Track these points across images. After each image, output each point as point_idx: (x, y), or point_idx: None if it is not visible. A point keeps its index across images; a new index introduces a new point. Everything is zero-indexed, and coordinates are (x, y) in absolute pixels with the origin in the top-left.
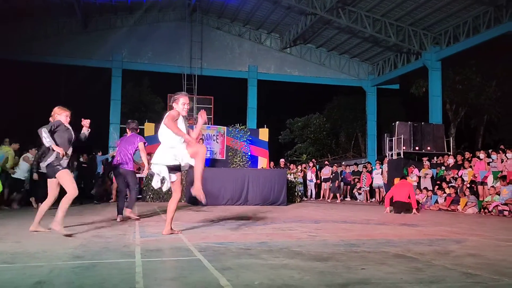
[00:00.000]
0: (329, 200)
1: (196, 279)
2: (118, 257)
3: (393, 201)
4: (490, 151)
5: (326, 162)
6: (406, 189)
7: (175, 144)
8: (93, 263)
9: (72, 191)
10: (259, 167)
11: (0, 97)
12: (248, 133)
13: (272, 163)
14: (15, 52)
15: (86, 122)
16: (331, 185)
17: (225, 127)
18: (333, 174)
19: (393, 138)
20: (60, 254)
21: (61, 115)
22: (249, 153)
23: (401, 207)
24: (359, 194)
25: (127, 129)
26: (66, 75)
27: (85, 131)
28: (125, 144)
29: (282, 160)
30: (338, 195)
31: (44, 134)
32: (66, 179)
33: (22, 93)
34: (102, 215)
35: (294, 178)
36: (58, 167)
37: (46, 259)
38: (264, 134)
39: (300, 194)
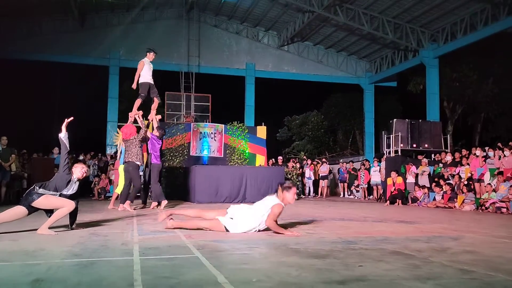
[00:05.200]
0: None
1: (194, 277)
2: (116, 255)
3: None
4: (487, 148)
5: (324, 160)
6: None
7: None
8: (91, 261)
9: (69, 205)
10: (257, 164)
11: None
12: (246, 131)
13: (271, 161)
14: (10, 50)
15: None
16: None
17: (223, 125)
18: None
19: (391, 135)
20: (57, 252)
21: (76, 169)
22: (247, 151)
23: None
24: (357, 191)
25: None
26: (63, 73)
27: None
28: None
29: (280, 157)
30: None
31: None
32: (52, 202)
33: (18, 91)
34: (99, 212)
35: (294, 174)
36: (34, 196)
37: (43, 257)
38: (262, 131)
39: (297, 191)
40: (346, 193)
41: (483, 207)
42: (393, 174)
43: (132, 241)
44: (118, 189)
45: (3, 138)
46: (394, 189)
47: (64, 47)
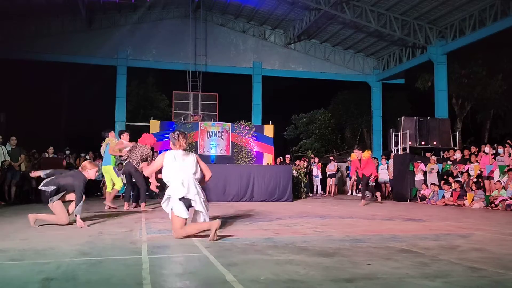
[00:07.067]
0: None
1: (202, 275)
2: (124, 253)
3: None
4: (496, 145)
5: (332, 158)
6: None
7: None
8: (99, 259)
9: (62, 219)
10: (264, 163)
11: (3, 96)
12: (253, 130)
13: (279, 160)
14: (18, 50)
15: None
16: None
17: (230, 124)
18: None
19: (399, 133)
20: (67, 251)
21: (91, 171)
22: (254, 149)
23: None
24: None
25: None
26: (71, 73)
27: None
28: None
29: (287, 156)
30: None
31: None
32: (57, 209)
33: (26, 91)
34: (108, 211)
35: (302, 173)
36: (50, 200)
37: (53, 256)
38: (269, 130)
39: (305, 190)
40: (354, 191)
41: (493, 205)
42: (356, 151)
43: (140, 240)
44: (117, 186)
45: (12, 138)
46: (360, 168)
47: (71, 47)
